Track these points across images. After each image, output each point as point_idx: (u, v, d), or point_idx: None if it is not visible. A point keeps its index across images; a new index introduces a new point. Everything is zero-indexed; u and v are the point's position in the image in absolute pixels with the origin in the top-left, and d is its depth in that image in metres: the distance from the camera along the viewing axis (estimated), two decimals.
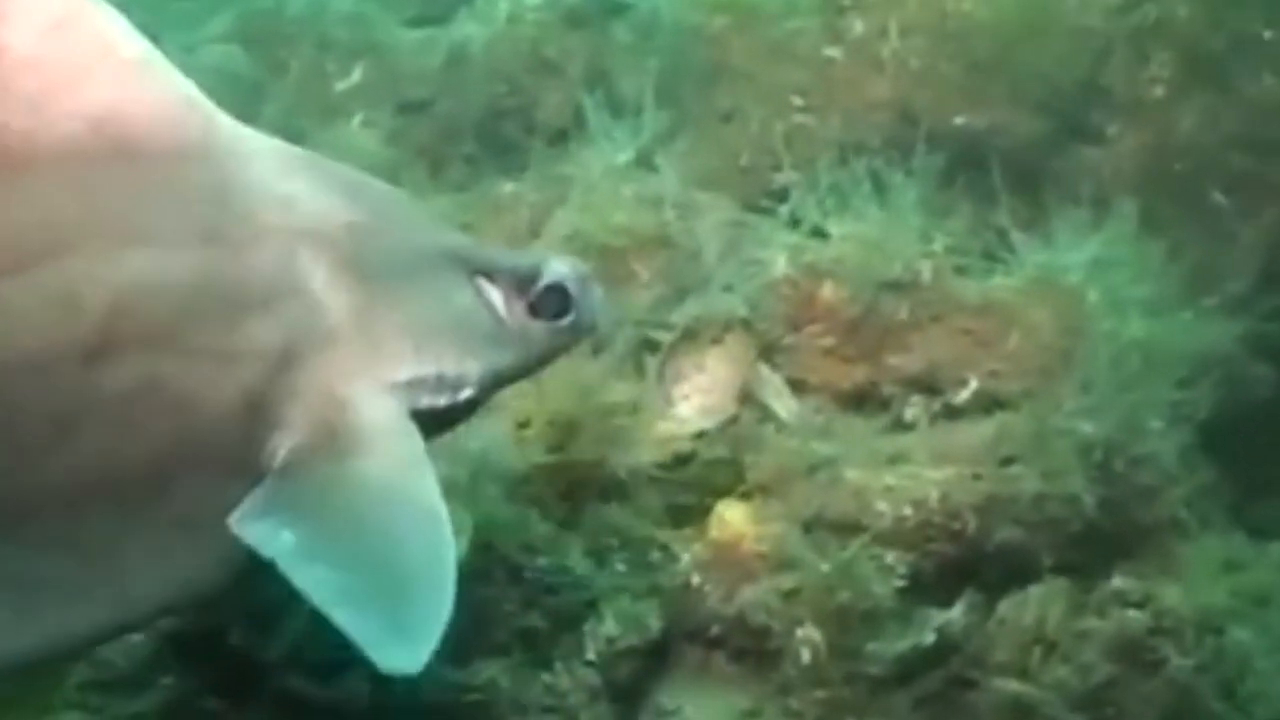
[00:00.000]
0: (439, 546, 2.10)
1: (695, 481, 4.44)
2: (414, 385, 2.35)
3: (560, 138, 5.87)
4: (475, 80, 6.60)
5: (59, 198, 2.09)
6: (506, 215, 5.54)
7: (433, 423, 2.40)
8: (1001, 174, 5.40)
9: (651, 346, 4.79)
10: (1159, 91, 5.93)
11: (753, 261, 5.01)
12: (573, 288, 2.62)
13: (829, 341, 4.82)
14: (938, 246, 4.90)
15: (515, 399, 4.10)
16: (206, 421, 2.15)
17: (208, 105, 2.33)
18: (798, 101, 5.94)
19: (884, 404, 4.76)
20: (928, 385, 4.74)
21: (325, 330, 2.26)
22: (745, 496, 4.40)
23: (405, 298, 2.37)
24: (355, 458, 2.16)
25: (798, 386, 4.81)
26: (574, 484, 4.26)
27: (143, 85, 2.21)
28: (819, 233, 5.07)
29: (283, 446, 2.21)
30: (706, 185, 5.78)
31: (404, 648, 1.98)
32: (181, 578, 2.22)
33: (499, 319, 2.52)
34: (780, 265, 4.91)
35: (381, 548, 2.08)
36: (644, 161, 5.58)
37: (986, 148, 5.75)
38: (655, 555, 4.25)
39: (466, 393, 2.45)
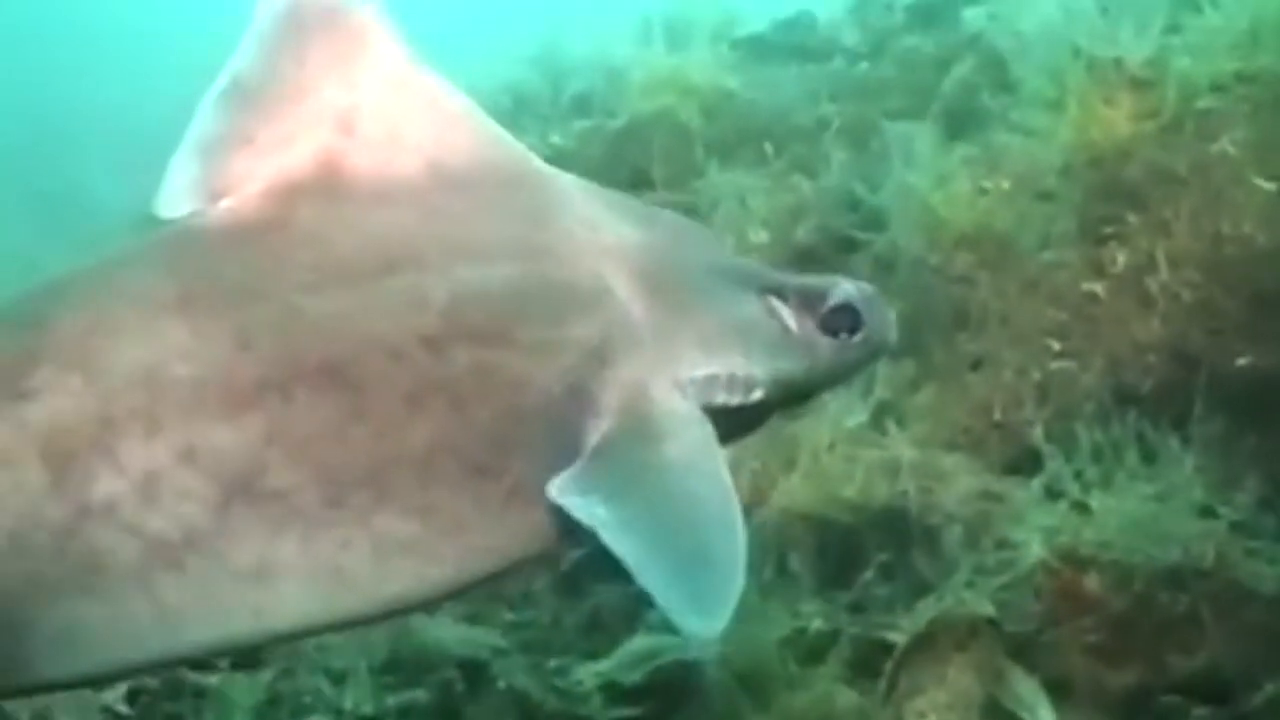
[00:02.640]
0: (732, 520, 2.30)
1: None
2: (707, 383, 2.58)
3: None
4: None
5: (405, 219, 2.45)
6: None
7: (725, 420, 2.58)
8: None
9: (885, 649, 4.18)
10: None
11: (1004, 544, 4.37)
12: (861, 306, 2.77)
13: (1095, 639, 4.17)
14: (1222, 524, 4.18)
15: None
16: (534, 403, 2.40)
17: (518, 145, 2.68)
18: (1056, 345, 5.27)
19: (1162, 714, 4.03)
20: (1214, 691, 4.00)
21: (631, 332, 2.51)
22: None
23: (695, 307, 2.62)
24: (661, 441, 2.40)
25: (1058, 691, 4.13)
26: None
27: (465, 129, 2.59)
28: (1081, 507, 4.40)
29: (597, 430, 2.44)
30: (952, 447, 5.18)
31: (703, 614, 2.19)
32: (515, 545, 2.43)
33: (787, 331, 2.72)
34: (1035, 550, 4.27)
35: (684, 520, 2.29)
36: (879, 422, 4.99)
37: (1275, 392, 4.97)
38: None
39: (757, 394, 2.66)
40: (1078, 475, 4.47)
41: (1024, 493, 4.65)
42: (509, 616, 5.14)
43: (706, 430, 2.49)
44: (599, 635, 4.98)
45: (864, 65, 7.07)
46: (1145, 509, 4.22)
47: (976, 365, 5.40)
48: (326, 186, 2.46)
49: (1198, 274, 5.19)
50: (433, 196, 2.50)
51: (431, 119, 2.55)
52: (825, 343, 2.76)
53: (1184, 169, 5.16)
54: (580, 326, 2.48)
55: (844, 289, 2.78)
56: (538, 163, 2.69)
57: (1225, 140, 5.16)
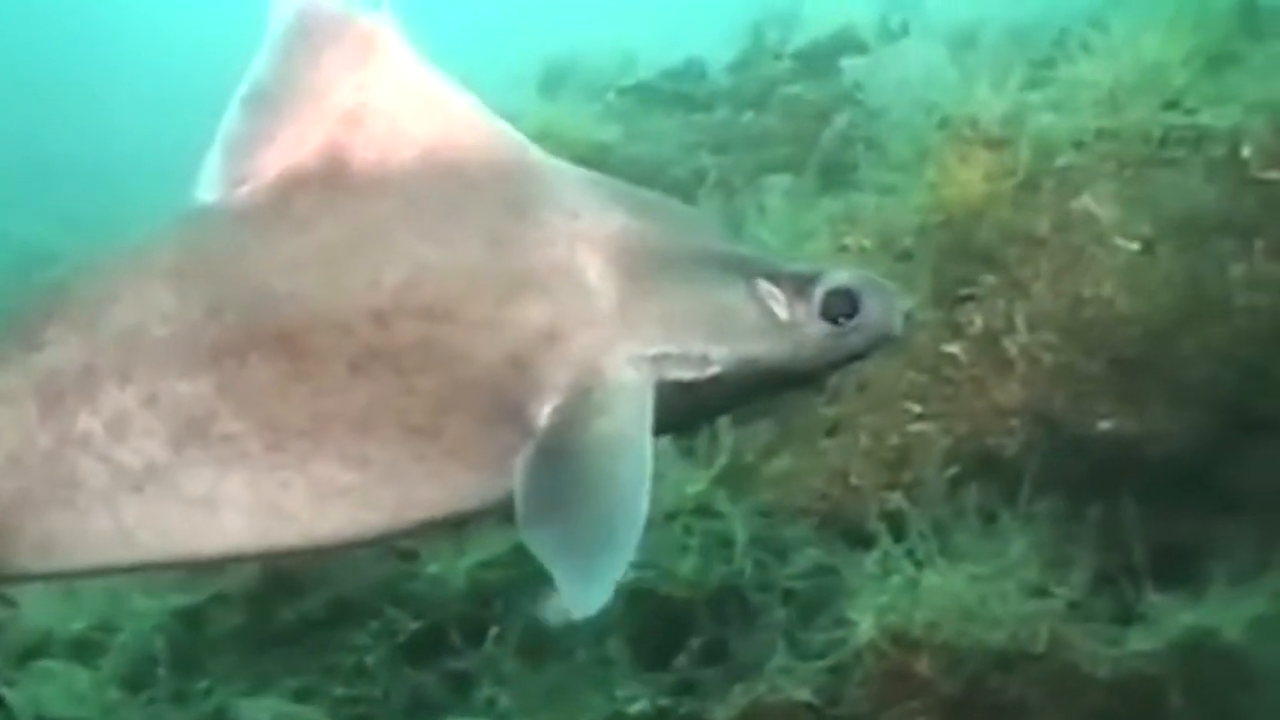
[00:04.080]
0: (634, 501, 2.44)
1: None
2: (659, 359, 2.66)
3: None
4: None
5: (388, 207, 2.67)
6: None
7: (683, 396, 2.69)
8: (1148, 495, 4.47)
9: None
10: None
11: (838, 623, 4.19)
12: (859, 292, 2.76)
13: None
14: (1058, 604, 4.00)
15: None
16: (475, 375, 2.59)
17: (521, 140, 2.81)
18: (915, 408, 5.10)
19: None
20: None
21: (590, 312, 2.65)
22: None
23: (666, 289, 2.71)
24: (597, 416, 2.56)
25: None
26: None
27: (465, 125, 2.75)
28: (914, 585, 4.23)
29: (548, 404, 2.59)
30: (803, 514, 4.98)
31: (584, 591, 2.36)
32: (450, 501, 2.63)
33: (770, 314, 2.75)
34: (866, 629, 4.06)
35: (590, 498, 2.46)
36: (727, 488, 4.81)
37: (1138, 456, 4.80)
38: None
39: (712, 369, 2.70)
40: (911, 552, 4.29)
41: (864, 567, 4.44)
42: (339, 691, 4.93)
43: (644, 404, 2.62)
44: (423, 714, 4.78)
45: (749, 114, 6.91)
46: (978, 588, 4.03)
47: (833, 430, 5.20)
48: (329, 177, 2.70)
49: (1057, 336, 5.03)
50: (421, 187, 2.70)
51: (433, 116, 2.75)
52: (817, 328, 2.78)
53: (1044, 228, 5.01)
54: (532, 306, 2.63)
55: (838, 274, 2.79)
56: (536, 156, 2.83)
57: (1087, 198, 5.01)
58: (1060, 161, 4.98)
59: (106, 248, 2.81)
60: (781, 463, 5.24)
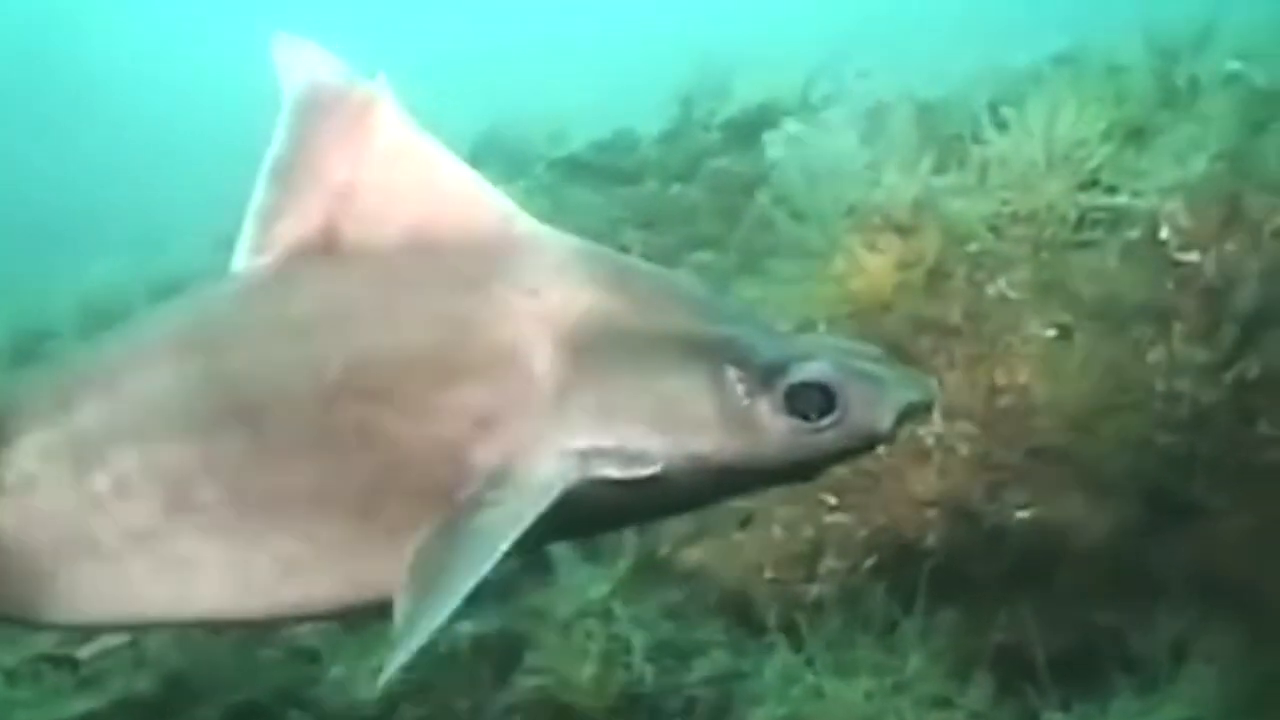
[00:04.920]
0: (453, 592, 2.44)
1: None
2: (591, 455, 2.58)
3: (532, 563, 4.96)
4: None
5: (356, 286, 2.71)
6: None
7: (620, 494, 2.60)
8: (1068, 585, 4.33)
9: None
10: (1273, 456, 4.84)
11: None
12: (837, 387, 2.61)
13: None
14: (959, 715, 3.87)
15: None
16: (409, 460, 2.61)
17: (508, 211, 2.76)
18: (831, 500, 4.95)
19: None
20: None
21: (528, 400, 2.60)
22: None
23: (612, 377, 2.62)
24: (489, 507, 2.54)
25: None
26: None
27: (451, 197, 2.74)
28: (817, 693, 4.08)
29: (468, 490, 2.58)
30: (715, 612, 4.83)
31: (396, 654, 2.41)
32: (398, 578, 2.56)
33: (732, 407, 2.61)
34: None
35: (433, 581, 2.48)
36: (633, 589, 4.66)
37: (1058, 546, 4.67)
38: None
39: (651, 469, 2.59)
40: (810, 661, 4.13)
41: (769, 672, 4.29)
42: None
43: (538, 503, 2.55)
44: None
45: (676, 188, 6.78)
46: (875, 702, 3.88)
47: (746, 522, 5.06)
48: (323, 252, 2.75)
49: (973, 426, 4.88)
50: (395, 264, 2.72)
51: (424, 189, 2.75)
52: (782, 424, 2.62)
53: (956, 316, 4.88)
54: (469, 392, 2.61)
55: (812, 365, 2.63)
56: (521, 228, 2.77)
57: (1002, 283, 4.88)
58: (973, 247, 4.85)
59: (145, 312, 3.05)
60: (694, 554, 5.09)
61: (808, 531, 5.02)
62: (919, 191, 4.76)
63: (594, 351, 2.65)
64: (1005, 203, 4.90)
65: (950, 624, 4.29)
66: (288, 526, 2.67)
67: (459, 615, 2.45)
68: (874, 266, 4.70)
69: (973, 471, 4.91)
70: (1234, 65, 5.72)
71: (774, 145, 5.75)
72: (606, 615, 4.68)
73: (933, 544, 4.98)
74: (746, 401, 2.61)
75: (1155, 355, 4.89)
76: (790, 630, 4.51)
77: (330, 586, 2.70)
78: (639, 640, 4.52)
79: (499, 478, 2.59)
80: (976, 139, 5.14)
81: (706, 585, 5.00)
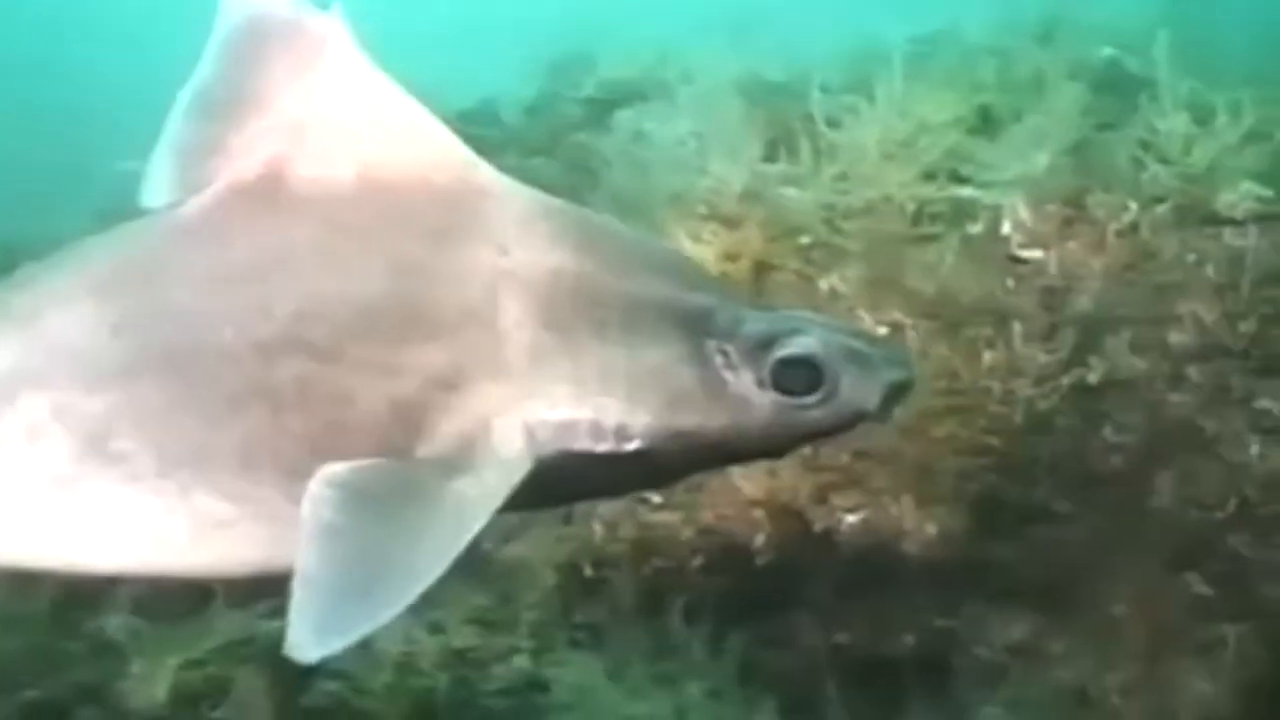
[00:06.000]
0: (417, 576, 2.24)
1: None
2: (566, 427, 2.45)
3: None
4: None
5: (307, 229, 2.53)
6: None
7: (597, 469, 2.48)
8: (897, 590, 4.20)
9: None
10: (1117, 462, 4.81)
11: None
12: (825, 363, 2.51)
13: None
14: None
15: None
16: (355, 420, 2.43)
17: (469, 157, 2.60)
18: (655, 498, 4.78)
19: None
20: None
21: (497, 364, 2.45)
22: None
23: (587, 345, 2.48)
24: (458, 475, 2.36)
25: None
26: None
27: (411, 141, 2.56)
28: (617, 706, 3.91)
29: (427, 452, 2.42)
30: (526, 614, 4.66)
31: (313, 639, 2.15)
32: None
33: (715, 381, 2.51)
34: None
35: (379, 550, 2.26)
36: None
37: (889, 551, 4.54)
38: None
39: (632, 445, 2.47)
40: (617, 670, 3.98)
41: (570, 681, 4.12)
42: None
43: (509, 482, 2.40)
44: None
45: (537, 161, 6.55)
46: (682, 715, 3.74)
47: (569, 517, 4.88)
48: (266, 192, 2.56)
49: None
50: (347, 208, 2.55)
51: (378, 129, 2.58)
52: (768, 400, 2.51)
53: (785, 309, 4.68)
54: (429, 350, 2.46)
55: (802, 339, 2.52)
56: (484, 177, 2.62)
57: (834, 278, 4.69)
58: (805, 239, 4.65)
59: (69, 247, 2.73)
60: (515, 550, 4.91)
61: (629, 530, 4.84)
62: (748, 180, 4.54)
63: (567, 315, 2.51)
64: (841, 193, 4.70)
65: (771, 631, 4.14)
66: (213, 484, 2.48)
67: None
68: (698, 258, 4.49)
69: (801, 472, 4.74)
70: (1108, 51, 5.55)
71: (615, 128, 5.55)
72: (410, 619, 4.49)
73: (761, 545, 4.83)
74: (731, 376, 2.52)
75: (992, 356, 4.73)
76: (601, 636, 4.34)
77: (253, 550, 2.51)
78: (437, 647, 4.32)
79: (466, 446, 2.43)
80: (818, 125, 4.93)
81: (522, 584, 4.81)
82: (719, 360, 2.52)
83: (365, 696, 4.33)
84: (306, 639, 2.17)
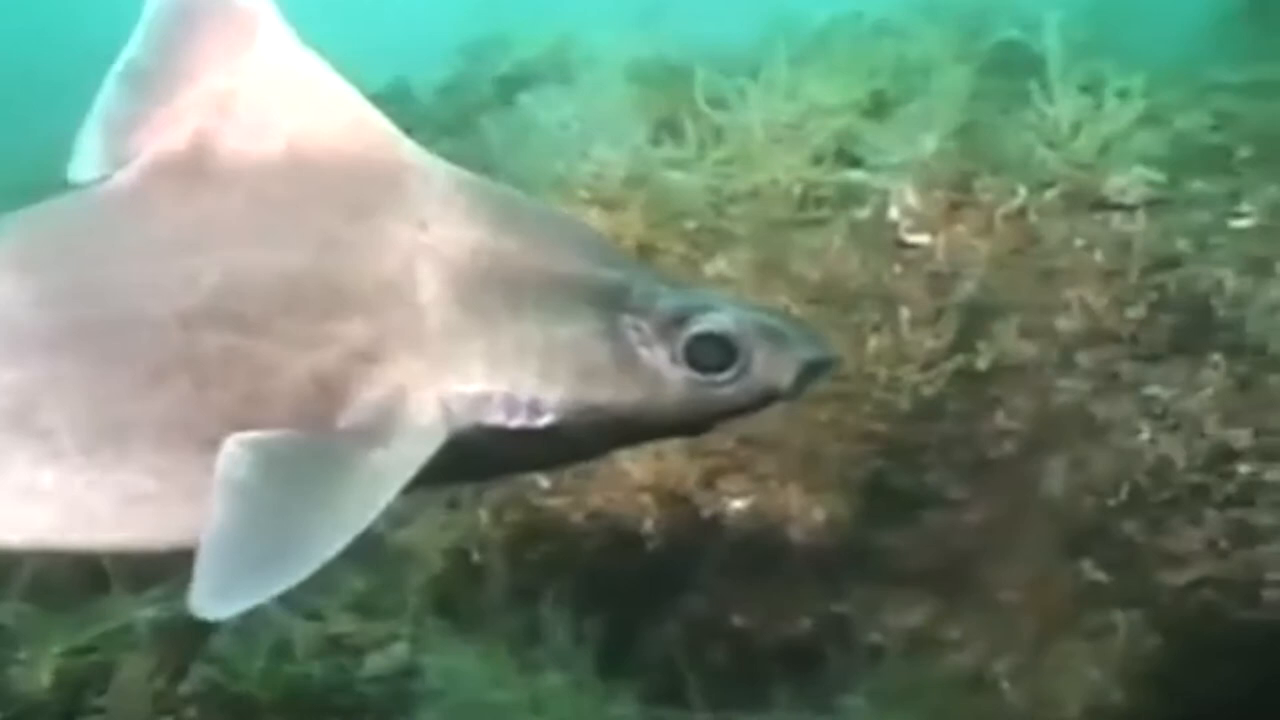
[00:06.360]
0: (326, 542, 2.24)
1: None
2: (479, 401, 2.46)
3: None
4: None
5: (232, 202, 2.52)
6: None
7: (509, 443, 2.48)
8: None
9: None
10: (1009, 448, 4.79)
11: None
12: (739, 340, 2.51)
13: None
14: None
15: None
16: (276, 391, 2.43)
17: (393, 133, 2.61)
18: (544, 483, 4.76)
19: None
20: None
21: (415, 337, 2.46)
22: None
23: (503, 321, 2.50)
24: (374, 447, 2.38)
25: None
26: None
27: (336, 117, 2.57)
28: (485, 694, 3.88)
29: (345, 423, 2.42)
30: (411, 599, 4.62)
31: (216, 598, 2.17)
32: None
33: (629, 357, 2.52)
34: None
35: (292, 517, 2.27)
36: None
37: (777, 537, 4.51)
38: None
39: (545, 419, 2.48)
40: (490, 655, 3.95)
41: (445, 668, 4.10)
42: None
43: (423, 455, 2.41)
44: None
45: (446, 143, 6.50)
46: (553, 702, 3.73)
47: (456, 502, 4.85)
48: (193, 165, 2.56)
49: None
50: (273, 183, 2.56)
51: (305, 105, 2.59)
52: (680, 376, 2.52)
53: None
54: (349, 324, 2.47)
55: (716, 315, 2.54)
56: (406, 154, 2.62)
57: (721, 261, 4.66)
58: (691, 224, 4.62)
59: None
60: (400, 538, 4.87)
61: (516, 515, 4.81)
62: (631, 164, 4.50)
63: (484, 291, 2.53)
64: (728, 177, 4.66)
65: (649, 618, 4.12)
66: (135, 457, 2.48)
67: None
68: None
69: (687, 457, 4.72)
70: (1001, 35, 5.53)
71: (516, 110, 5.51)
72: (286, 604, 4.46)
73: (650, 530, 4.81)
74: (645, 351, 2.54)
75: (879, 342, 4.70)
76: (482, 622, 4.31)
77: (175, 524, 2.47)
78: (312, 633, 4.30)
79: (382, 417, 2.45)
80: (710, 108, 4.89)
81: (409, 570, 4.78)
82: (633, 336, 2.54)
83: (241, 681, 4.30)
84: (209, 598, 2.19)
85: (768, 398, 2.58)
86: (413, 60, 7.58)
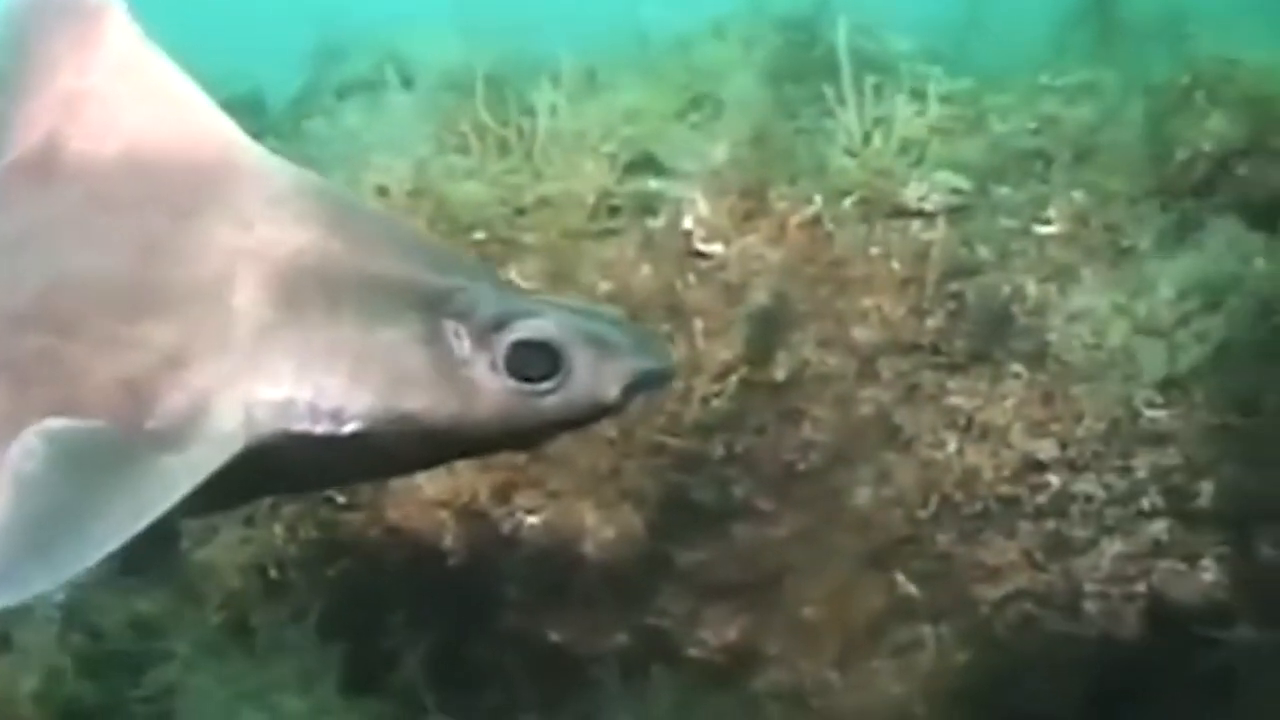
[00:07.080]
0: (99, 544, 2.20)
1: None
2: (285, 407, 2.41)
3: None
4: None
5: (69, 204, 2.53)
6: None
7: (317, 450, 2.43)
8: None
9: None
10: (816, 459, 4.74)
11: None
12: (563, 348, 2.43)
13: None
14: None
15: None
16: (89, 395, 2.40)
17: (235, 135, 2.61)
18: (340, 498, 4.72)
19: None
20: None
21: (224, 341, 2.41)
22: None
23: (319, 324, 2.43)
24: (169, 450, 2.34)
25: None
26: None
27: (179, 116, 2.58)
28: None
29: (152, 427, 2.38)
30: (200, 616, 4.58)
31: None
32: None
33: (446, 363, 2.44)
34: None
35: (72, 513, 2.23)
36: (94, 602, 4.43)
37: (571, 554, 4.49)
38: None
39: (350, 426, 2.41)
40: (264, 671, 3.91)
41: (216, 686, 4.07)
42: None
43: (212, 458, 2.36)
44: None
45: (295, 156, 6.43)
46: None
47: (251, 518, 4.80)
48: (43, 165, 2.58)
49: None
50: (108, 183, 2.55)
51: (148, 104, 2.59)
52: (499, 386, 2.44)
53: None
54: (160, 327, 2.43)
55: (537, 323, 2.45)
56: (242, 154, 2.62)
57: (512, 271, 4.60)
58: (479, 234, 4.56)
59: None
60: (204, 553, 4.82)
61: (311, 531, 4.76)
62: (416, 174, 4.45)
63: (302, 294, 2.46)
64: (519, 187, 4.61)
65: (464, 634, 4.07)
66: None
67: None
68: None
69: (478, 471, 4.66)
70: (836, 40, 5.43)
71: (332, 118, 5.47)
72: (68, 623, 4.42)
73: (451, 545, 4.75)
74: (463, 358, 2.44)
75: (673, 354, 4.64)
76: (254, 640, 4.26)
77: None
78: (90, 652, 4.26)
79: (186, 422, 2.39)
80: (518, 116, 4.83)
81: (206, 587, 4.73)
82: (453, 343, 2.46)
83: (14, 705, 4.25)
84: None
85: (595, 410, 2.50)
86: (278, 63, 7.54)
